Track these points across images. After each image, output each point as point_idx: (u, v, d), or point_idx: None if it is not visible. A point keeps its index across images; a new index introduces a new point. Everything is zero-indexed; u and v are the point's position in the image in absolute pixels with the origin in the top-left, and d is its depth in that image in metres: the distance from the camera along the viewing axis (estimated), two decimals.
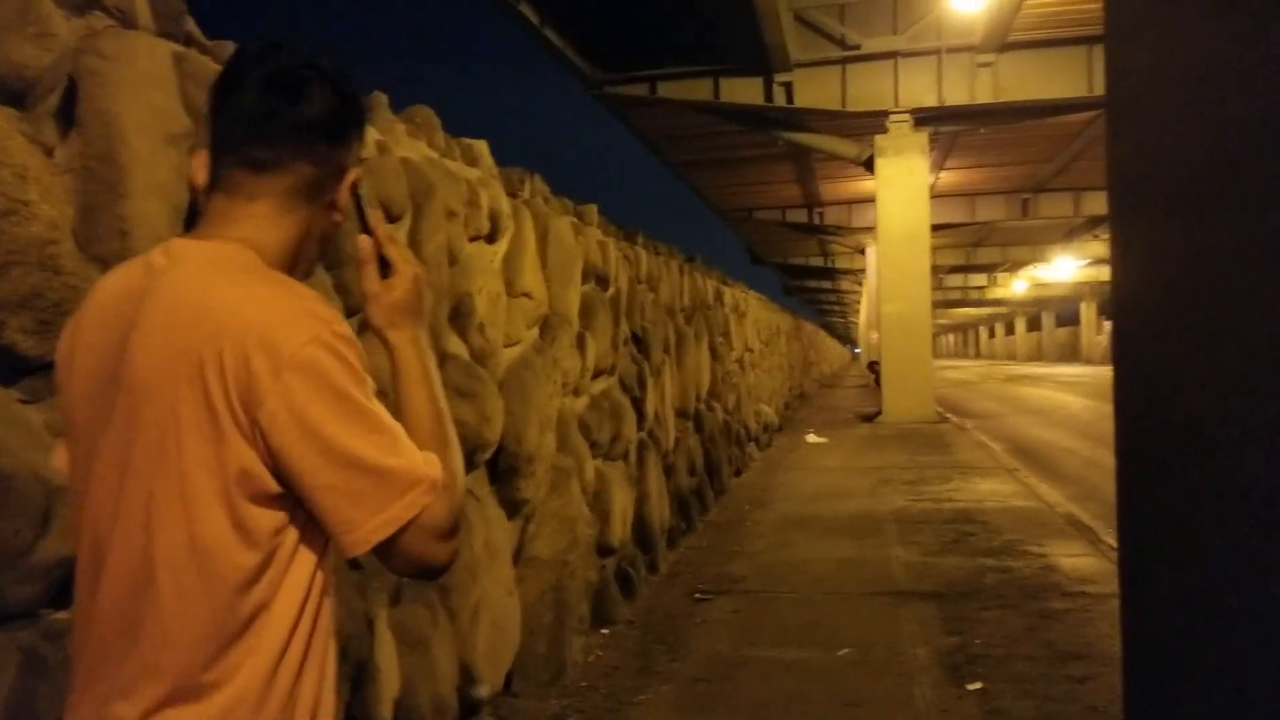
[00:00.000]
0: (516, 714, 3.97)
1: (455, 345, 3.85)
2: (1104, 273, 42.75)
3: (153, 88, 2.25)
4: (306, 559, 1.21)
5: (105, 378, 1.22)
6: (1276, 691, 1.29)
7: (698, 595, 5.90)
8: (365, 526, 1.16)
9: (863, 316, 49.06)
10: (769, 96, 17.07)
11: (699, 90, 17.27)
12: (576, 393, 5.38)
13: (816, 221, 30.04)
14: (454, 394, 3.63)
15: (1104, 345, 55.32)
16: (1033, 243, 40.20)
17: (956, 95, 16.65)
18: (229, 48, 2.59)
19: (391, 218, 3.30)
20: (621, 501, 5.83)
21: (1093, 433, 14.84)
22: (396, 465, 1.18)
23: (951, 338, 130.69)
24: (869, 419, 17.32)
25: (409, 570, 1.22)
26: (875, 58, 16.71)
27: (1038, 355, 74.05)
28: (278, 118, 1.25)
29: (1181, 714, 1.51)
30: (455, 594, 3.52)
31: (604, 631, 5.18)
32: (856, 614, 5.40)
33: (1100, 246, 38.01)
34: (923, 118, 17.13)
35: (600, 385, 5.93)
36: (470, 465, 3.82)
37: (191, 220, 2.14)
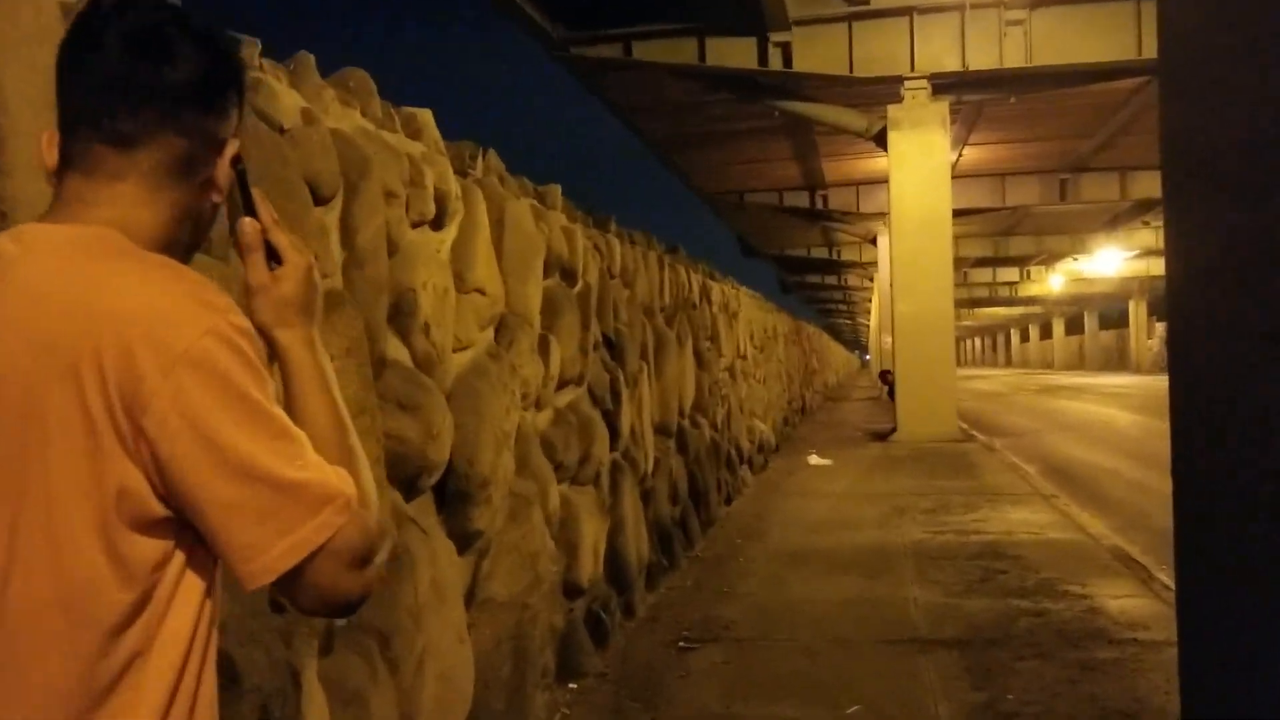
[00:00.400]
0: None
1: (396, 349, 3.83)
2: (1156, 265, 43.22)
3: (37, 46, 2.23)
4: (192, 595, 1.20)
5: None
6: None
7: (681, 643, 5.91)
8: (270, 552, 1.14)
9: (873, 317, 49.31)
10: (763, 59, 17.13)
11: (681, 52, 17.30)
12: (538, 406, 5.37)
13: (819, 206, 30.21)
14: (394, 406, 3.61)
15: (1156, 350, 55.86)
16: (1072, 231, 40.53)
17: (982, 58, 16.77)
18: None
19: (319, 199, 3.29)
20: (592, 533, 5.82)
21: (1142, 452, 14.97)
22: (306, 479, 1.16)
23: (978, 342, 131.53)
24: (881, 437, 17.40)
25: (317, 605, 1.20)
26: (887, 14, 16.81)
27: (1078, 363, 74.66)
28: (141, 83, 1.24)
29: None
30: (397, 641, 3.50)
31: (572, 686, 5.16)
32: (866, 665, 5.41)
33: (1151, 235, 38.40)
34: (943, 84, 17.24)
35: (566, 397, 5.93)
36: (414, 491, 3.80)
37: None
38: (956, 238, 19.30)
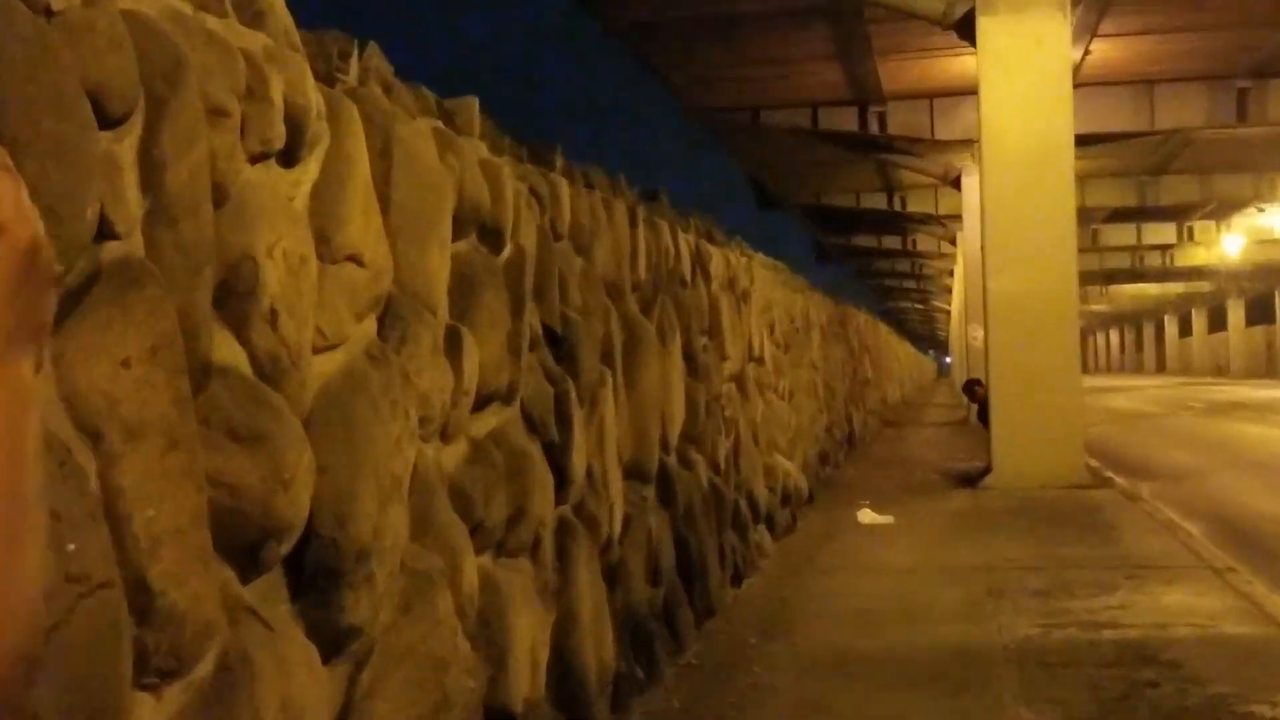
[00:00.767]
0: None
1: (227, 349, 3.81)
2: None
3: None
4: None
5: None
6: None
7: None
8: None
9: (956, 300, 49.30)
10: None
11: None
12: (446, 435, 5.36)
13: (873, 130, 30.25)
14: (224, 436, 3.59)
15: None
16: (1256, 169, 40.76)
17: None
18: None
19: (107, 120, 3.26)
20: (528, 631, 5.81)
21: None
22: None
23: (1114, 336, 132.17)
24: (968, 481, 17.49)
25: None
26: None
27: (1266, 368, 74.98)
28: None
29: None
30: None
31: None
32: None
33: None
34: None
35: (489, 422, 5.91)
36: (254, 565, 3.78)
37: None
38: (1081, 178, 19.38)
